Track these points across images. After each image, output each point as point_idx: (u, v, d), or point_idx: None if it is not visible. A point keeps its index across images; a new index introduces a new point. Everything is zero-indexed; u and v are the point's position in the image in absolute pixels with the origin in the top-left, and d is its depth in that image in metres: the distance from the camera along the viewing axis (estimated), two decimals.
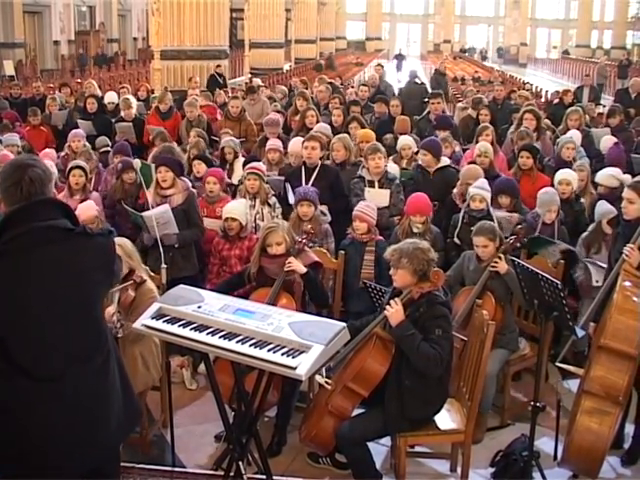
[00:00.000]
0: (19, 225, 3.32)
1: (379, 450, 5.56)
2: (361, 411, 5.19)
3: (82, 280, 3.47)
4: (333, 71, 23.53)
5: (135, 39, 42.41)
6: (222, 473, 4.87)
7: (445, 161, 8.34)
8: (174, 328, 4.33)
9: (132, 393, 3.96)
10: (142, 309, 4.86)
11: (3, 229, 3.34)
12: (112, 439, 3.73)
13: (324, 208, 7.29)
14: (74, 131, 10.41)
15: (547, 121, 11.32)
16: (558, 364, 5.81)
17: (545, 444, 5.74)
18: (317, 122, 10.32)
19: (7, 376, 3.35)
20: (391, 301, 5.02)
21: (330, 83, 15.71)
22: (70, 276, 3.42)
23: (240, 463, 4.65)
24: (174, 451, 5.51)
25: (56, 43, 34.38)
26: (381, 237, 6.83)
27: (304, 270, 5.72)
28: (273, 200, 7.56)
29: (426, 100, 13.31)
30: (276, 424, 5.72)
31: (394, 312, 4.93)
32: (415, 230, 6.80)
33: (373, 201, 7.25)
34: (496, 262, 5.95)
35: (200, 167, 8.36)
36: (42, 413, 3.39)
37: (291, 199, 7.50)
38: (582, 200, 7.76)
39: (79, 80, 21.69)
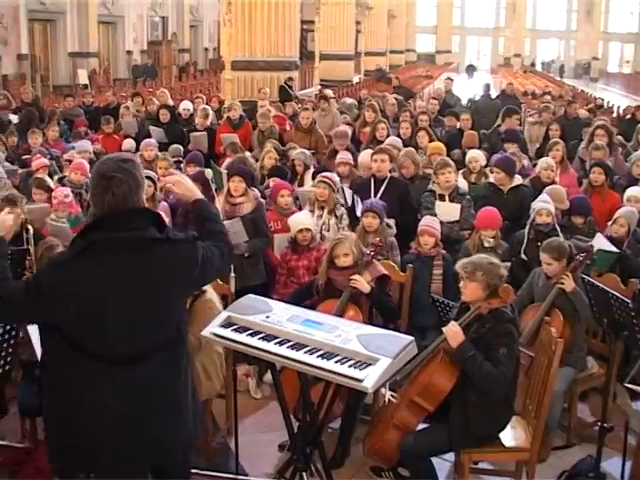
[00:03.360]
0: (108, 231, 3.42)
1: (442, 466, 5.50)
2: (426, 426, 5.15)
3: (159, 286, 3.54)
4: (388, 84, 23.45)
5: (206, 49, 42.82)
6: None
7: (518, 179, 8.25)
8: (242, 337, 4.37)
9: (199, 400, 4.03)
10: (200, 320, 4.91)
11: (90, 230, 3.46)
12: (178, 440, 3.79)
13: (391, 221, 7.26)
14: (146, 140, 10.57)
15: (619, 137, 11.17)
16: (627, 384, 5.69)
17: (612, 466, 5.62)
18: (387, 135, 10.34)
19: (74, 362, 3.47)
20: (449, 323, 5.00)
21: (396, 98, 15.70)
22: (149, 282, 3.50)
23: (304, 473, 4.67)
24: (238, 459, 5.54)
25: (129, 53, 34.92)
26: (444, 251, 6.81)
27: (368, 289, 5.71)
28: (341, 211, 7.57)
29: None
30: (340, 436, 5.70)
31: (452, 334, 4.89)
32: (486, 244, 6.75)
33: (444, 215, 7.24)
34: (563, 280, 5.88)
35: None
36: (109, 400, 3.49)
37: (359, 211, 7.51)
38: None
39: (151, 89, 22.01)
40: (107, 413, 3.50)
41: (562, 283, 5.86)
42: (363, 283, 5.71)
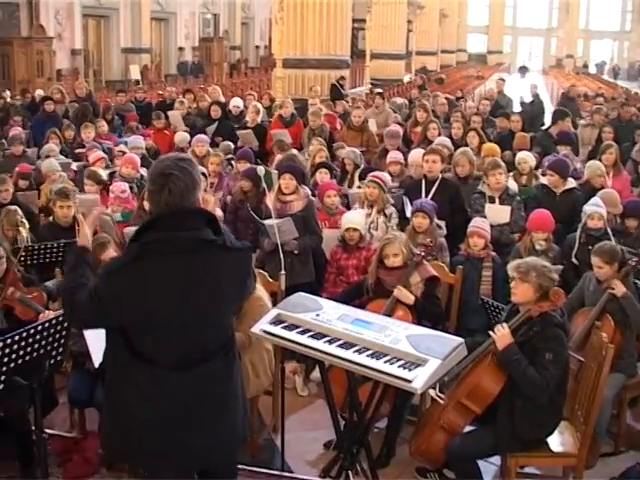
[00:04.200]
0: (162, 231, 3.45)
1: (489, 469, 5.47)
2: (473, 428, 5.13)
3: (214, 290, 3.57)
4: (440, 85, 23.40)
5: (257, 47, 42.93)
6: None
7: (571, 182, 8.15)
8: (292, 334, 4.39)
9: (247, 401, 4.07)
10: (250, 317, 4.93)
11: (146, 230, 3.49)
12: (227, 444, 3.83)
13: (441, 222, 7.23)
14: (198, 136, 10.64)
15: None
16: None
17: None
18: (439, 135, 10.31)
19: (132, 366, 3.54)
20: (498, 325, 4.97)
21: (447, 98, 15.64)
22: (203, 285, 3.52)
23: (350, 472, 4.67)
24: (284, 456, 5.56)
25: (180, 49, 35.15)
26: (494, 253, 6.77)
27: (412, 300, 5.68)
28: (390, 210, 7.56)
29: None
30: (386, 436, 5.69)
31: (500, 336, 4.87)
32: (537, 247, 6.68)
33: (493, 217, 7.19)
34: (614, 284, 5.81)
35: (323, 176, 8.45)
36: (164, 403, 3.55)
37: (408, 212, 7.50)
38: None
39: (202, 86, 22.15)
40: (158, 417, 3.55)
41: (613, 288, 5.79)
42: (407, 295, 5.69)
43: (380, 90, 16.59)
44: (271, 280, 5.93)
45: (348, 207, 7.97)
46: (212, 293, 3.55)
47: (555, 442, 5.06)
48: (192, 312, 3.50)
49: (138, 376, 3.54)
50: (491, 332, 4.95)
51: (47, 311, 5.29)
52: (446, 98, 15.32)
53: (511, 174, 8.92)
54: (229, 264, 3.61)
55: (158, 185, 3.48)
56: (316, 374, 6.73)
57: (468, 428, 5.11)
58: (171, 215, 3.47)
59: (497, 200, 7.72)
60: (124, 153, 9.68)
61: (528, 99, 18.32)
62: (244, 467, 5.41)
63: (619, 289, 5.76)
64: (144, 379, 3.53)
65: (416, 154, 8.74)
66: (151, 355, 3.51)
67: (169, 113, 13.23)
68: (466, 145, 9.84)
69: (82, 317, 3.64)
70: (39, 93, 16.29)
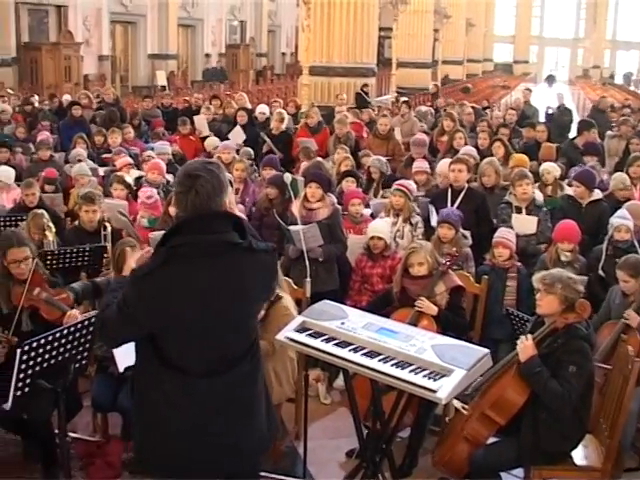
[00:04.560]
0: (188, 234, 3.45)
1: None
2: (496, 439, 5.10)
3: (241, 292, 3.57)
4: (466, 93, 23.36)
5: (283, 54, 43.08)
6: None
7: (598, 194, 8.09)
8: (317, 342, 4.39)
9: (272, 406, 4.05)
10: (275, 325, 4.92)
11: (173, 234, 3.50)
12: (253, 449, 3.82)
13: (467, 232, 7.21)
14: (224, 143, 10.68)
15: None
16: None
17: None
18: (465, 144, 10.29)
19: (160, 374, 3.54)
20: (522, 336, 4.95)
21: (473, 107, 15.61)
22: (230, 288, 3.52)
23: None
24: (306, 463, 5.54)
25: (207, 56, 35.33)
26: (519, 263, 6.73)
27: (435, 312, 5.66)
28: (416, 219, 7.56)
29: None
30: (409, 445, 5.66)
31: (524, 348, 4.85)
32: (563, 258, 6.63)
33: (520, 228, 7.17)
34: (628, 315, 5.72)
35: (350, 184, 8.47)
36: (194, 411, 3.55)
37: (433, 221, 7.48)
38: None
39: (228, 92, 22.22)
40: (187, 424, 3.56)
41: (627, 318, 5.70)
42: (430, 307, 5.66)
43: (406, 99, 16.55)
44: (296, 287, 5.93)
45: (372, 216, 7.95)
46: (239, 295, 3.56)
47: (579, 455, 5.03)
48: (219, 315, 3.51)
49: (166, 384, 3.54)
50: (518, 342, 4.93)
51: (73, 310, 5.30)
52: (472, 107, 15.28)
53: (536, 185, 8.88)
54: (255, 266, 3.61)
55: (185, 187, 3.48)
56: (339, 382, 6.73)
57: (492, 439, 5.08)
58: (197, 219, 3.47)
59: (524, 210, 7.68)
60: (152, 159, 9.72)
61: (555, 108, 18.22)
62: (266, 474, 5.40)
63: (633, 320, 5.69)
64: (172, 387, 3.54)
65: (444, 165, 8.72)
66: (179, 362, 3.52)
67: (194, 118, 13.28)
68: (492, 155, 9.80)
69: (112, 331, 3.62)
70: (66, 98, 16.41)
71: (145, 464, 3.86)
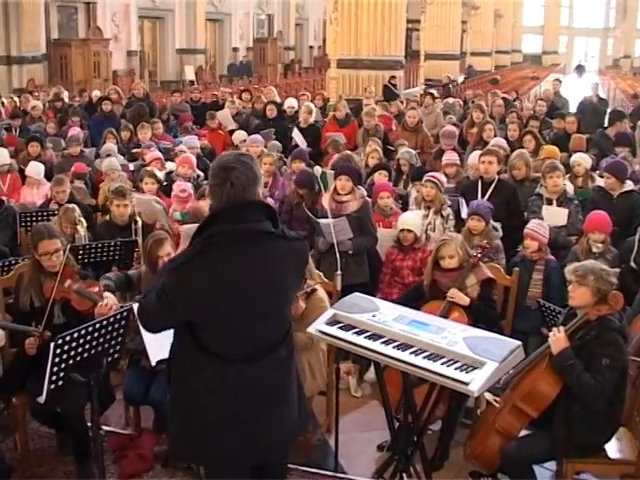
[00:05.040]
0: (224, 223, 3.51)
1: (544, 474, 5.39)
2: (529, 432, 5.08)
3: (275, 280, 3.62)
4: (494, 85, 23.20)
5: (311, 47, 43.05)
6: None
7: (629, 185, 8.01)
8: (348, 335, 4.38)
9: (304, 396, 4.07)
10: (312, 318, 4.92)
11: (208, 224, 3.56)
12: (285, 436, 3.87)
13: (497, 224, 7.17)
14: (252, 136, 10.69)
15: None
16: None
17: None
18: (494, 136, 10.24)
19: (199, 361, 3.60)
20: (554, 328, 4.91)
21: (504, 98, 15.52)
22: (266, 275, 3.57)
23: (404, 474, 4.65)
24: (337, 456, 5.55)
25: (235, 50, 35.38)
26: (552, 257, 6.68)
27: (467, 302, 5.63)
28: (447, 211, 7.54)
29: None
30: (440, 438, 5.66)
31: (556, 340, 4.81)
32: (595, 250, 6.58)
33: (551, 219, 7.11)
34: None
35: (382, 178, 8.46)
36: (232, 397, 3.61)
37: (464, 213, 7.46)
38: None
39: (256, 86, 22.25)
40: (224, 411, 3.61)
41: None
42: (462, 297, 5.64)
43: (432, 91, 16.50)
44: (326, 280, 5.92)
45: (404, 209, 7.93)
46: (274, 282, 3.62)
47: (613, 449, 4.98)
48: (254, 302, 3.56)
49: (205, 371, 3.60)
50: (550, 334, 4.89)
51: (105, 299, 5.32)
52: (503, 99, 15.21)
53: (567, 176, 8.81)
54: (288, 253, 3.68)
55: (220, 179, 3.55)
56: (370, 375, 6.73)
57: (524, 432, 5.05)
58: (231, 208, 3.53)
59: (554, 202, 7.64)
60: (184, 153, 9.75)
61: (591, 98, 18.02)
62: (297, 467, 5.43)
63: None
64: (211, 374, 3.60)
65: (473, 156, 8.69)
66: (217, 349, 3.58)
67: (218, 113, 13.30)
68: (522, 146, 9.75)
69: (152, 318, 3.71)
70: (96, 94, 16.49)
71: (180, 452, 3.95)
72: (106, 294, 5.35)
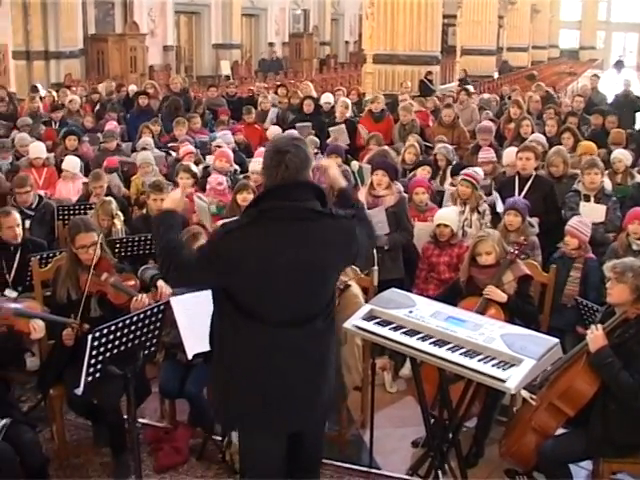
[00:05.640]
0: (276, 200, 3.66)
1: (580, 473, 5.35)
2: (565, 431, 5.04)
3: (320, 255, 3.74)
4: (531, 80, 23.01)
5: (347, 42, 42.98)
6: (418, 479, 4.88)
7: None
8: (384, 331, 4.39)
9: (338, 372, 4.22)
10: (346, 314, 4.92)
11: (262, 199, 3.72)
12: (321, 407, 3.97)
13: (534, 220, 7.12)
14: (288, 132, 10.66)
15: None
16: None
17: None
18: (532, 132, 10.17)
19: (240, 326, 3.75)
20: (592, 326, 4.86)
21: (547, 92, 15.42)
22: (310, 250, 3.70)
23: (439, 471, 4.64)
24: (372, 452, 5.55)
25: (271, 45, 35.42)
26: (592, 255, 6.61)
27: (504, 299, 5.59)
28: (483, 207, 7.49)
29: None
30: (475, 435, 5.64)
31: (594, 337, 4.76)
32: (635, 247, 6.50)
33: (588, 216, 7.05)
34: None
35: (426, 174, 8.46)
36: (275, 361, 3.73)
37: (499, 207, 7.41)
38: None
39: (292, 81, 22.27)
40: (265, 375, 3.74)
41: None
42: (499, 293, 5.60)
43: (468, 87, 16.42)
44: (363, 275, 5.91)
45: (440, 204, 7.89)
46: (319, 257, 3.74)
47: None
48: (296, 275, 3.68)
49: (241, 330, 3.74)
50: (588, 332, 4.84)
51: (141, 294, 5.37)
52: (547, 91, 15.12)
53: (606, 172, 8.72)
54: (336, 231, 3.81)
55: (275, 161, 3.71)
56: (405, 371, 6.71)
57: (560, 430, 5.02)
58: (283, 187, 3.69)
59: (592, 199, 7.57)
60: (221, 147, 9.78)
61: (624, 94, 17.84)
62: (331, 462, 5.43)
63: None
64: (247, 334, 3.73)
65: (511, 152, 8.64)
66: (259, 314, 3.71)
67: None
68: (560, 143, 9.66)
69: (186, 273, 3.85)
70: (132, 88, 16.58)
71: (221, 420, 4.20)
72: (160, 283, 5.50)
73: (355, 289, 5.61)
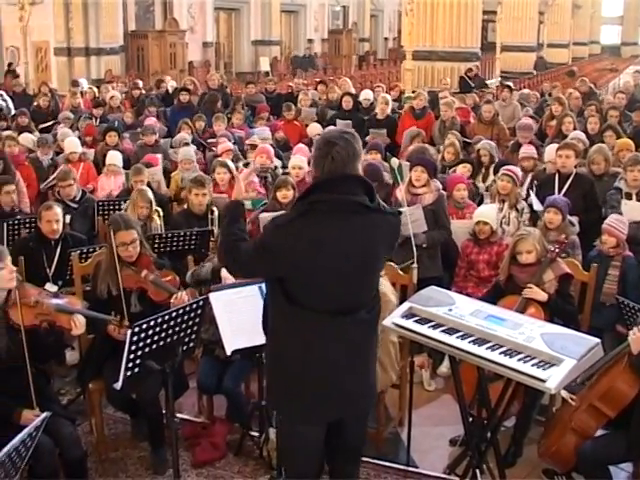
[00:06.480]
0: (325, 193, 3.71)
1: (620, 474, 5.29)
2: (605, 432, 4.99)
3: (368, 249, 3.83)
4: (571, 77, 22.74)
5: (386, 39, 42.87)
6: (456, 478, 4.85)
7: None
8: (424, 329, 4.37)
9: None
10: None
11: (311, 192, 3.77)
12: (363, 398, 4.03)
13: (574, 219, 7.05)
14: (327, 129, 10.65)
15: None
16: None
17: None
18: (574, 129, 10.08)
19: (292, 314, 3.82)
20: (635, 327, 4.80)
21: (590, 88, 15.28)
22: (359, 244, 3.76)
23: (477, 471, 4.61)
24: (409, 450, 5.54)
25: (310, 41, 35.44)
26: (630, 253, 6.53)
27: (545, 298, 5.54)
28: (522, 205, 7.45)
29: None
30: (513, 435, 5.60)
31: (636, 339, 4.71)
32: None
33: (630, 214, 6.96)
34: None
35: (466, 172, 8.41)
36: (330, 348, 3.81)
37: (535, 206, 7.36)
38: None
39: (331, 77, 22.25)
40: (315, 363, 3.81)
41: None
42: (539, 292, 5.55)
43: (510, 83, 16.26)
44: (402, 273, 5.89)
45: (479, 202, 7.85)
46: (367, 250, 3.81)
47: None
48: (344, 267, 3.75)
49: (289, 317, 3.83)
50: (630, 333, 4.79)
51: (181, 292, 5.41)
52: (590, 87, 15.01)
53: None
54: (383, 226, 3.88)
55: (323, 152, 3.76)
56: (443, 369, 6.69)
57: (600, 432, 4.98)
58: (332, 180, 3.74)
59: (634, 197, 7.48)
60: (253, 146, 9.79)
61: None
62: (368, 460, 5.42)
63: None
64: (295, 320, 3.80)
65: (551, 150, 8.57)
66: (303, 301, 3.77)
67: (303, 109, 13.32)
68: (602, 141, 9.56)
69: (244, 263, 3.96)
70: (172, 85, 16.67)
71: (271, 404, 4.34)
72: (224, 273, 5.58)
73: (384, 287, 5.54)
